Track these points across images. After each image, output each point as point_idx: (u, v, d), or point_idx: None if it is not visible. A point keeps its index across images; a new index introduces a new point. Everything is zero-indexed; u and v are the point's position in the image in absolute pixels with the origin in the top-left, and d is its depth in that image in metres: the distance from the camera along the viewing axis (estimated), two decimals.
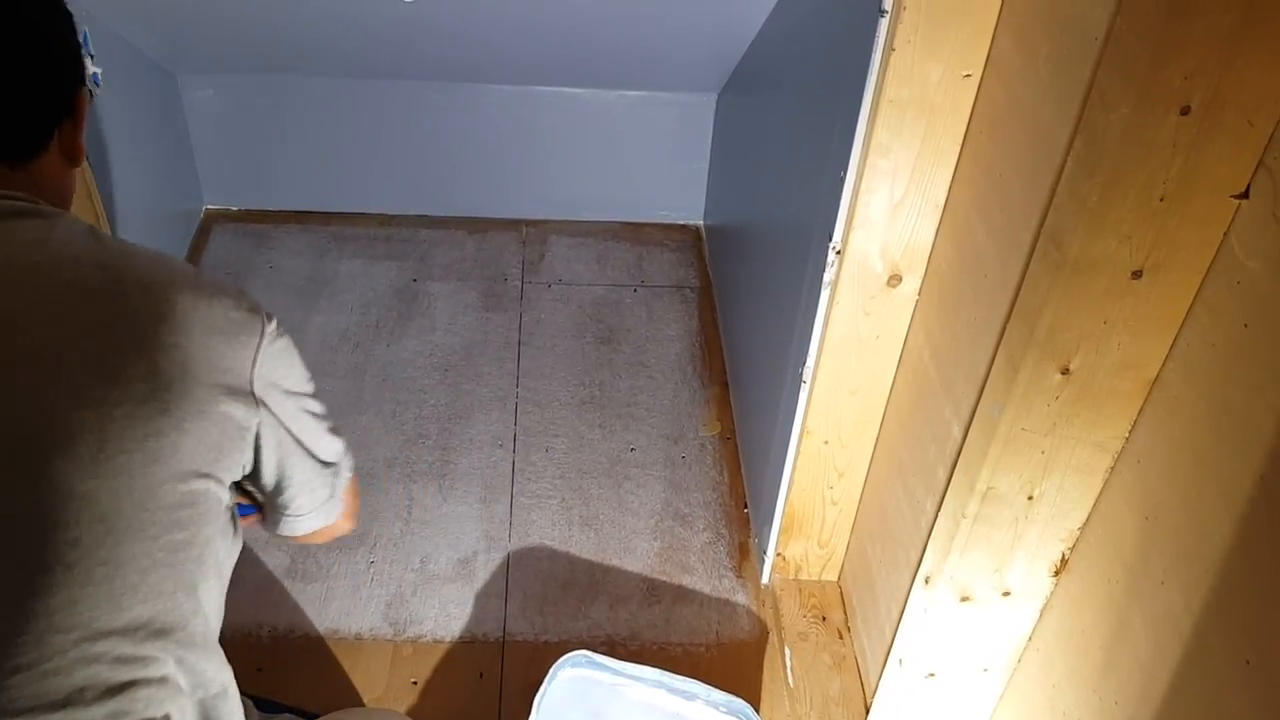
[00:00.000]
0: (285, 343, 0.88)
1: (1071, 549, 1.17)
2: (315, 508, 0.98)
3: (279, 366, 0.87)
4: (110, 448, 0.74)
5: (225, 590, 0.90)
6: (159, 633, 0.77)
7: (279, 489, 0.93)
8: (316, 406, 0.94)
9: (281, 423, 0.89)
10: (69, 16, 0.85)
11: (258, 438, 0.86)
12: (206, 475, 0.80)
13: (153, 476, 0.76)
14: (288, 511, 0.96)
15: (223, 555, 0.86)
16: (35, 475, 0.72)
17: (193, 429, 0.78)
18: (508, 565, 1.86)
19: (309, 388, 0.93)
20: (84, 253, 0.79)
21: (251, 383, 0.83)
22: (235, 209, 2.61)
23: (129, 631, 0.75)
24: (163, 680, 0.77)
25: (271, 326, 0.86)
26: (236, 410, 0.82)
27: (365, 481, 1.98)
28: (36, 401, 0.73)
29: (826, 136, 1.43)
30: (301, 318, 2.33)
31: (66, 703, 0.72)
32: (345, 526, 1.08)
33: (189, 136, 2.47)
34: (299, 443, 0.92)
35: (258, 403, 0.84)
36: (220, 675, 0.86)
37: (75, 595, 0.72)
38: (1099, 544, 1.11)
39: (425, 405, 2.15)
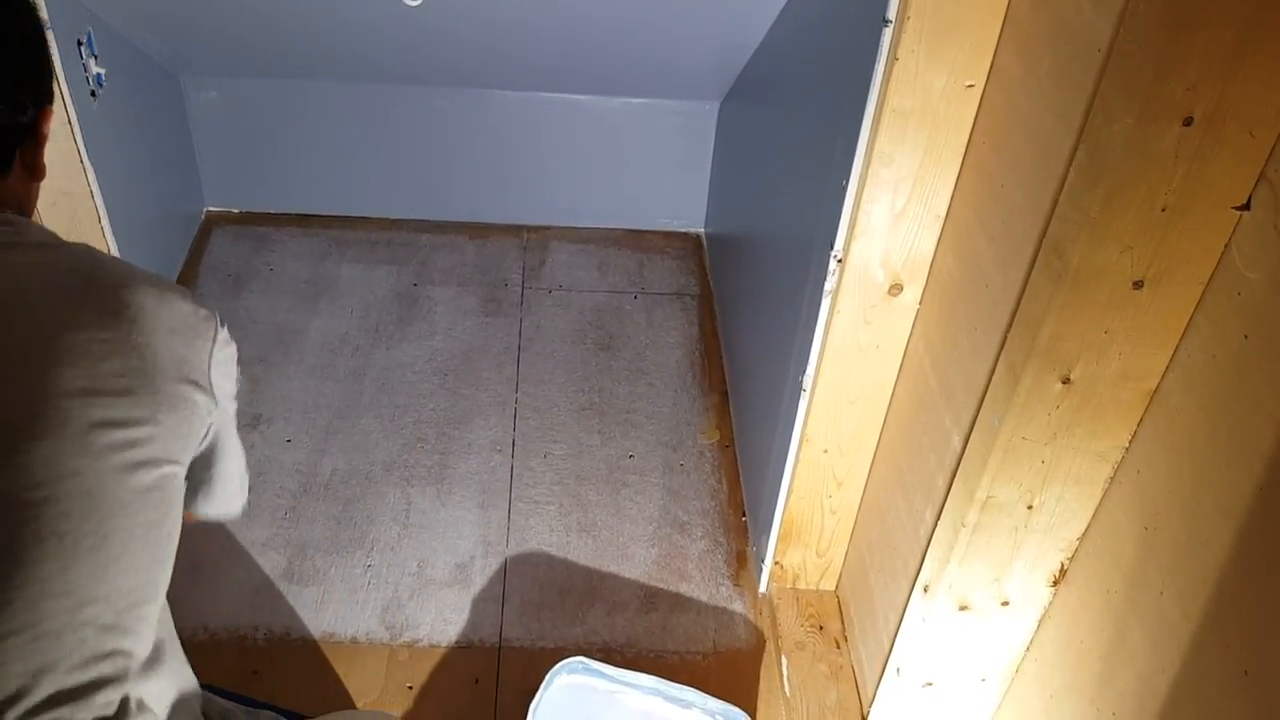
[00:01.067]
0: (233, 348, 0.94)
1: (1070, 559, 1.17)
2: (225, 499, 1.05)
3: (228, 368, 0.93)
4: (95, 432, 0.79)
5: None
6: (135, 603, 0.81)
7: (207, 477, 1.00)
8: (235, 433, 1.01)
9: (225, 421, 0.95)
10: (40, 35, 0.87)
11: (208, 432, 0.92)
12: (175, 462, 0.86)
13: (131, 460, 0.81)
14: (200, 495, 1.02)
15: (178, 534, 0.91)
16: (26, 455, 0.76)
17: (165, 421, 0.84)
18: (505, 570, 1.85)
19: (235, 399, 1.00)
20: (55, 258, 0.85)
21: (210, 381, 0.89)
22: (236, 211, 2.62)
23: (111, 598, 0.79)
24: (129, 654, 0.82)
25: (224, 331, 0.92)
26: (200, 405, 0.88)
27: (363, 485, 1.98)
28: (23, 389, 0.78)
29: (829, 145, 1.43)
30: (301, 321, 2.33)
31: (56, 665, 0.76)
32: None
33: (191, 138, 2.48)
34: (231, 443, 0.99)
35: (215, 400, 0.90)
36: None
37: (67, 564, 0.76)
38: (1098, 554, 1.11)
39: (424, 409, 2.15)
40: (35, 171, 0.89)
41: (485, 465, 2.04)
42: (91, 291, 0.83)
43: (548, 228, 2.66)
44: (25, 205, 0.90)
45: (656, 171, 2.59)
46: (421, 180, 2.59)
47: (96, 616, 0.78)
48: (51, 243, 0.86)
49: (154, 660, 0.85)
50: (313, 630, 1.74)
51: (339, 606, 1.78)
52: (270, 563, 1.83)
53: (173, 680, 0.88)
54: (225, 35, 2.19)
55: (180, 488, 0.87)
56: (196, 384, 0.87)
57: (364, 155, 2.55)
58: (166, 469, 0.84)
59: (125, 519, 0.80)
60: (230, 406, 0.96)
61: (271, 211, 2.62)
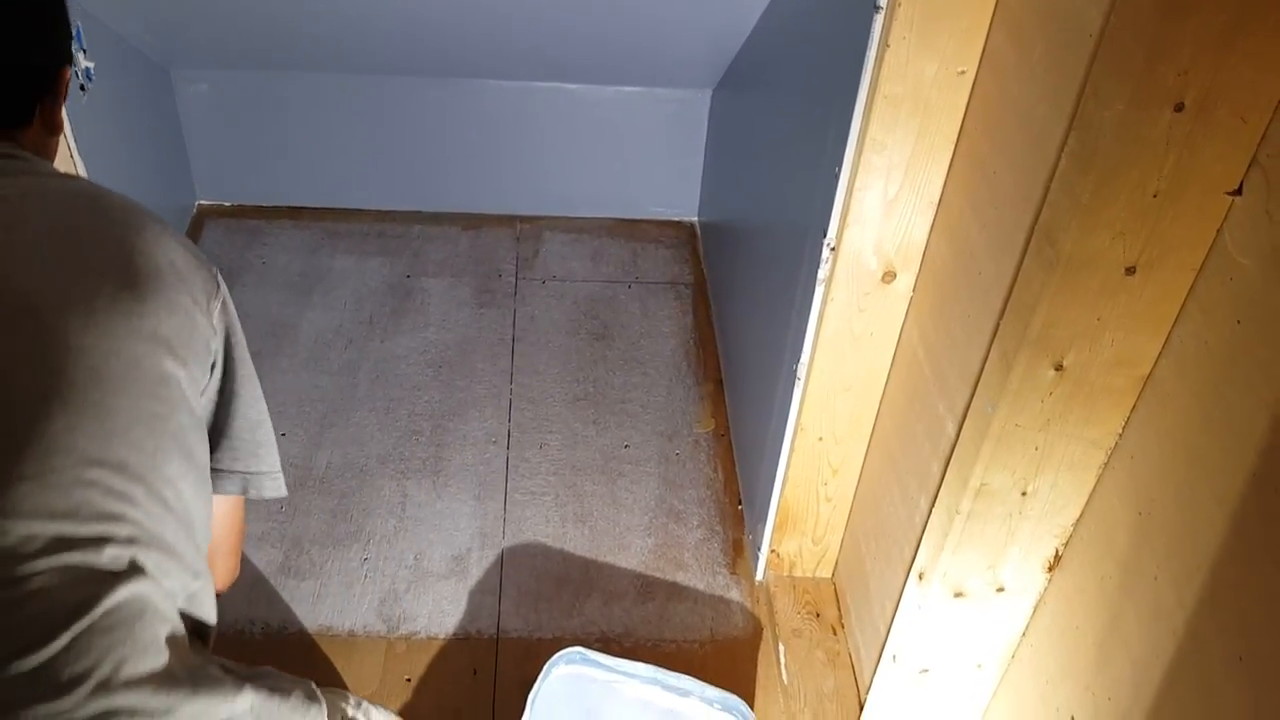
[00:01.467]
0: (230, 304, 0.99)
1: (1065, 545, 1.17)
2: (261, 452, 1.05)
3: (231, 315, 0.99)
4: (99, 315, 0.85)
5: (208, 499, 0.97)
6: (142, 480, 0.85)
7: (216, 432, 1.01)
8: (256, 381, 1.03)
9: (234, 366, 0.99)
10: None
11: (214, 367, 0.96)
12: (178, 360, 0.90)
13: (135, 348, 0.86)
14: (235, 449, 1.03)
15: (195, 446, 0.94)
16: (35, 329, 0.83)
17: (166, 320, 0.89)
18: (501, 562, 1.85)
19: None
20: (67, 183, 0.94)
21: (211, 313, 0.95)
22: (228, 204, 2.61)
23: (117, 467, 0.84)
24: (139, 524, 0.85)
25: (224, 284, 0.98)
26: (201, 322, 0.93)
27: (359, 478, 1.98)
28: (33, 274, 0.85)
29: (821, 132, 1.43)
30: (294, 314, 2.32)
31: (66, 515, 0.80)
32: (230, 567, 1.14)
33: (182, 131, 2.47)
34: (243, 393, 1.01)
35: (215, 330, 0.95)
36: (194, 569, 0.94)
37: (72, 424, 0.82)
38: (1092, 540, 1.12)
39: (419, 402, 2.15)
40: (53, 126, 0.98)
41: (481, 457, 2.04)
42: (99, 207, 0.92)
43: (541, 218, 2.65)
44: (43, 156, 0.98)
45: (649, 160, 2.58)
46: (413, 171, 2.58)
47: (102, 479, 0.82)
48: (62, 174, 0.95)
49: (169, 552, 0.88)
50: (310, 624, 1.74)
51: (336, 600, 1.78)
52: (266, 557, 1.83)
53: (186, 592, 0.92)
54: (215, 27, 2.18)
55: (182, 396, 0.91)
56: (196, 303, 0.92)
57: (355, 146, 2.54)
58: (169, 365, 0.89)
59: (128, 399, 0.85)
60: (242, 352, 1.00)
61: (263, 204, 2.61)
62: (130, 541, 0.84)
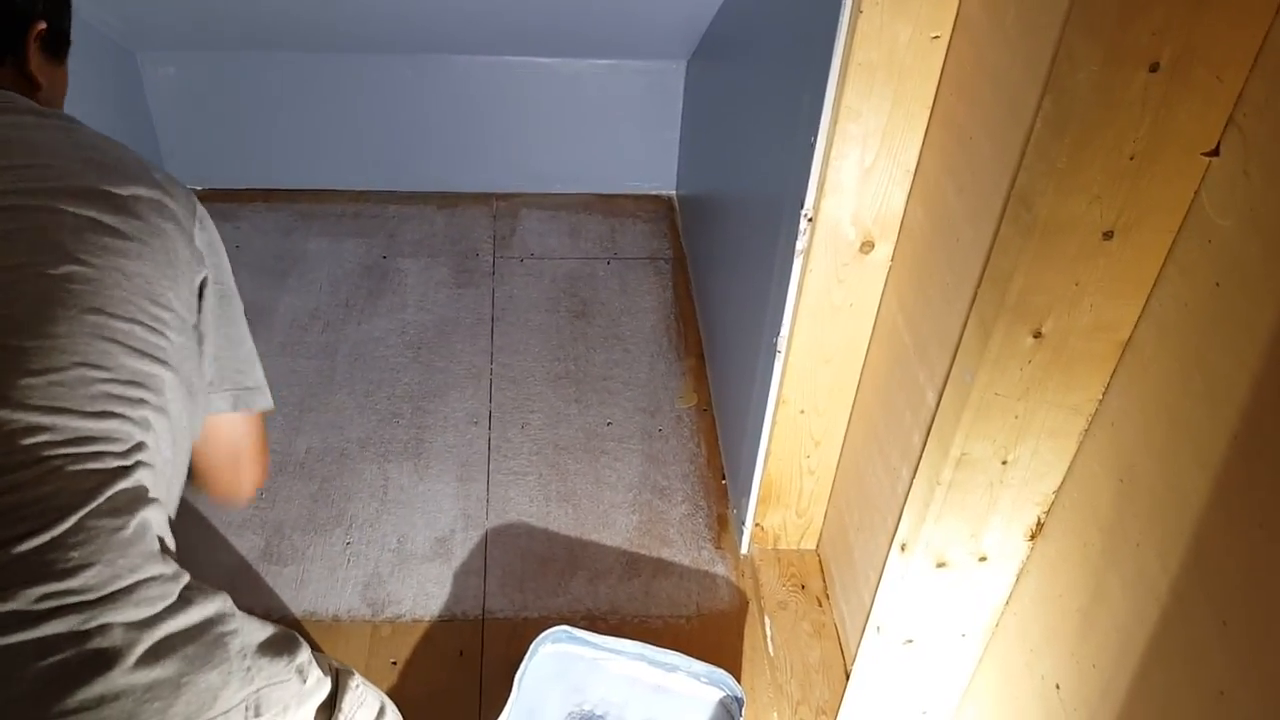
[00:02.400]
0: (210, 224, 1.05)
1: (1047, 513, 1.16)
2: (229, 388, 1.11)
3: (212, 235, 1.04)
4: (91, 234, 0.93)
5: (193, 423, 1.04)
6: (137, 388, 0.91)
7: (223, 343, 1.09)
8: (238, 301, 1.10)
9: (218, 286, 1.04)
10: None
11: (202, 290, 1.02)
12: (173, 292, 0.96)
13: (139, 269, 0.94)
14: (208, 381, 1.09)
15: (191, 375, 1.00)
16: (53, 209, 0.92)
17: (151, 244, 0.95)
18: (486, 543, 1.84)
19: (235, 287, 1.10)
20: (45, 118, 1.00)
21: (194, 239, 1.00)
22: (199, 188, 2.57)
23: (115, 371, 0.90)
24: (135, 426, 0.92)
25: (200, 206, 1.04)
26: (183, 249, 0.99)
27: (339, 462, 1.96)
28: (40, 182, 0.93)
29: (796, 102, 1.41)
30: (270, 297, 2.30)
31: (71, 410, 0.87)
32: (252, 475, 1.20)
33: (150, 116, 2.43)
34: (226, 312, 1.07)
35: (200, 254, 1.01)
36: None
37: (73, 329, 0.89)
38: (1074, 507, 1.11)
39: (398, 384, 2.13)
40: (29, 78, 1.05)
41: (462, 438, 2.03)
42: (75, 136, 1.00)
43: (517, 195, 2.63)
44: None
45: (625, 134, 2.56)
46: (387, 150, 2.55)
47: (101, 375, 0.89)
48: (40, 109, 1.01)
49: (163, 467, 0.95)
50: (294, 610, 1.72)
51: (319, 585, 1.76)
52: (248, 544, 1.82)
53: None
54: (181, 8, 2.14)
55: (177, 321, 0.97)
56: (180, 228, 0.99)
57: (327, 126, 2.50)
58: (165, 294, 0.96)
59: (124, 312, 0.92)
60: (222, 274, 1.06)
61: (235, 187, 2.58)
62: (129, 441, 0.91)
